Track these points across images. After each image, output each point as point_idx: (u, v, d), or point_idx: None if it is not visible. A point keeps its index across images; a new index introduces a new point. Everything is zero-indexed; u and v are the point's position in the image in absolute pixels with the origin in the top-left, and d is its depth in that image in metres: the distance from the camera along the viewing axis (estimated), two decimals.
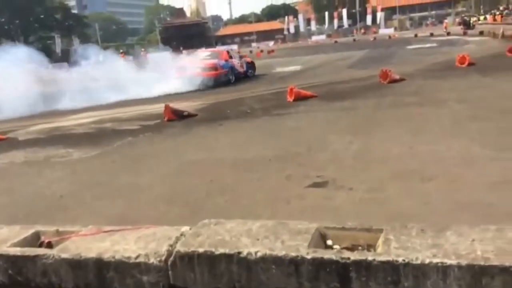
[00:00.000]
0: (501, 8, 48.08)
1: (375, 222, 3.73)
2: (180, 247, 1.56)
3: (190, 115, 10.28)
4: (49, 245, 1.90)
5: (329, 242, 1.54)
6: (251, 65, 20.53)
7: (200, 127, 9.04)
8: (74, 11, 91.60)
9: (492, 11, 47.82)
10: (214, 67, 17.28)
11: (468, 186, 4.31)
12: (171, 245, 1.60)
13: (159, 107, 10.66)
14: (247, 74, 19.61)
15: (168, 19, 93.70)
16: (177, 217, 4.35)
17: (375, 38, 50.11)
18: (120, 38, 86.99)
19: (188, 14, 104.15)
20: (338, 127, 7.62)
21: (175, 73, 17.17)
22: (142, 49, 50.57)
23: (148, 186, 5.42)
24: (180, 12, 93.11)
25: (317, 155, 6.04)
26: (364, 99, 10.32)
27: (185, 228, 1.72)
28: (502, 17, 39.18)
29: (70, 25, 75.22)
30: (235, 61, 18.96)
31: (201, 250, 1.51)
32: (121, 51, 47.78)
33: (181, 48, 72.62)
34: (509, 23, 33.50)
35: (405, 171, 4.96)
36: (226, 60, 18.21)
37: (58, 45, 61.93)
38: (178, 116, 10.15)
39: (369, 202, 4.18)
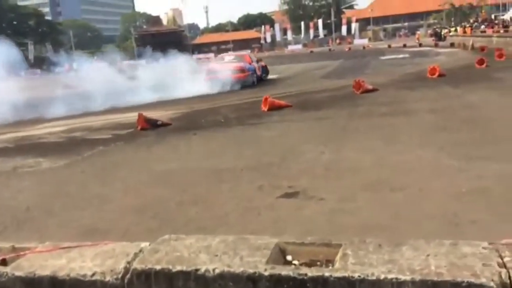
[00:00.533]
0: (471, 20, 49.47)
1: (344, 233, 3.77)
2: (137, 264, 1.52)
3: (163, 124, 10.18)
4: (4, 262, 1.83)
5: (289, 258, 1.53)
6: (265, 69, 21.33)
7: (174, 136, 8.97)
8: (48, 17, 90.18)
9: (463, 24, 49.19)
10: (242, 70, 18.04)
11: (435, 196, 4.39)
12: (128, 262, 1.56)
13: (133, 116, 10.53)
14: (262, 77, 20.26)
15: (144, 27, 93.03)
16: (147, 228, 4.28)
17: (350, 49, 50.89)
18: (95, 45, 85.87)
19: (164, 22, 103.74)
20: (311, 137, 7.66)
21: (205, 76, 17.97)
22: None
23: (118, 197, 5.33)
24: (156, 20, 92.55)
25: (289, 165, 6.06)
26: (337, 109, 10.44)
27: (144, 244, 1.69)
28: (471, 29, 40.33)
29: (43, 32, 73.97)
30: (255, 65, 19.71)
31: (158, 267, 1.48)
32: (95, 58, 47.04)
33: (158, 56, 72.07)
34: (478, 35, 34.53)
35: (376, 181, 5.02)
36: (250, 63, 19.08)
37: (31, 52, 60.74)
38: (152, 125, 10.04)
39: (339, 212, 4.21)
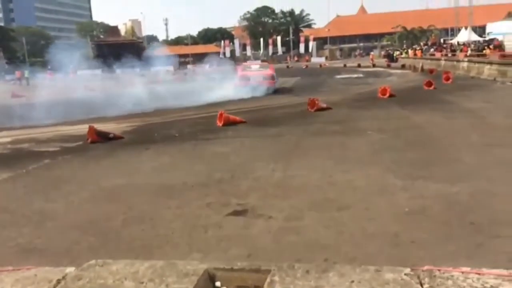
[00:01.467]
0: (421, 44, 51.74)
1: (289, 252, 3.79)
2: None
3: (115, 138, 9.97)
4: None
5: (218, 284, 1.51)
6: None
7: (125, 150, 8.78)
8: (0, 23, 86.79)
9: (414, 46, 51.32)
10: (272, 77, 20.42)
11: (379, 216, 4.50)
12: None
13: (84, 128, 10.23)
14: None
15: (102, 36, 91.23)
16: (88, 247, 4.15)
17: (307, 66, 51.85)
18: (49, 54, 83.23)
19: (123, 33, 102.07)
20: (264, 154, 7.70)
21: (238, 82, 19.90)
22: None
23: (61, 213, 5.14)
24: (114, 30, 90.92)
25: (240, 182, 6.05)
26: (291, 126, 10.57)
27: (69, 270, 1.62)
28: (421, 52, 42.16)
29: None
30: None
31: None
32: (49, 67, 45.82)
33: (115, 67, 70.73)
34: (427, 58, 36.09)
35: (323, 200, 5.10)
36: (274, 72, 21.39)
37: None
38: (103, 138, 9.79)
39: (286, 231, 4.23)
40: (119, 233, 4.46)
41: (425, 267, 1.57)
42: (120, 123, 12.26)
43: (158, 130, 11.07)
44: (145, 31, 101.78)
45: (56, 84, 27.00)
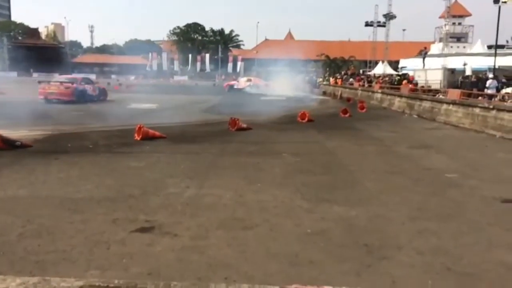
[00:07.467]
0: (342, 73, 54.47)
1: (190, 271, 3.80)
2: None
3: (23, 146, 9.41)
4: None
5: None
6: None
7: (32, 159, 8.31)
8: None
9: (336, 75, 53.91)
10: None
11: (283, 236, 4.66)
12: None
13: None
14: None
15: (20, 38, 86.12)
16: None
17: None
18: None
19: (44, 36, 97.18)
20: (179, 171, 7.67)
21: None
22: None
23: None
24: (34, 32, 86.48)
25: (150, 198, 5.97)
26: (210, 144, 10.62)
27: None
28: (342, 81, 44.35)
29: None
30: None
31: None
32: None
33: (32, 71, 66.87)
34: (346, 87, 38.08)
35: (231, 219, 5.18)
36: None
37: None
38: (9, 145, 9.21)
39: (190, 249, 4.24)
40: (13, 247, 4.21)
41: (293, 285, 1.68)
42: (32, 131, 11.59)
43: (71, 140, 10.61)
44: (68, 37, 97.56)
45: None
